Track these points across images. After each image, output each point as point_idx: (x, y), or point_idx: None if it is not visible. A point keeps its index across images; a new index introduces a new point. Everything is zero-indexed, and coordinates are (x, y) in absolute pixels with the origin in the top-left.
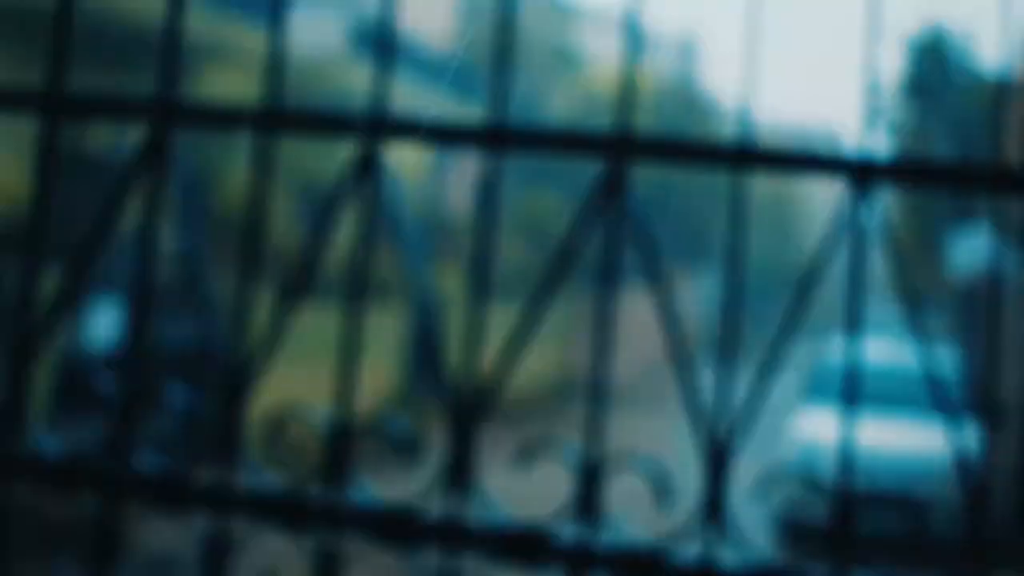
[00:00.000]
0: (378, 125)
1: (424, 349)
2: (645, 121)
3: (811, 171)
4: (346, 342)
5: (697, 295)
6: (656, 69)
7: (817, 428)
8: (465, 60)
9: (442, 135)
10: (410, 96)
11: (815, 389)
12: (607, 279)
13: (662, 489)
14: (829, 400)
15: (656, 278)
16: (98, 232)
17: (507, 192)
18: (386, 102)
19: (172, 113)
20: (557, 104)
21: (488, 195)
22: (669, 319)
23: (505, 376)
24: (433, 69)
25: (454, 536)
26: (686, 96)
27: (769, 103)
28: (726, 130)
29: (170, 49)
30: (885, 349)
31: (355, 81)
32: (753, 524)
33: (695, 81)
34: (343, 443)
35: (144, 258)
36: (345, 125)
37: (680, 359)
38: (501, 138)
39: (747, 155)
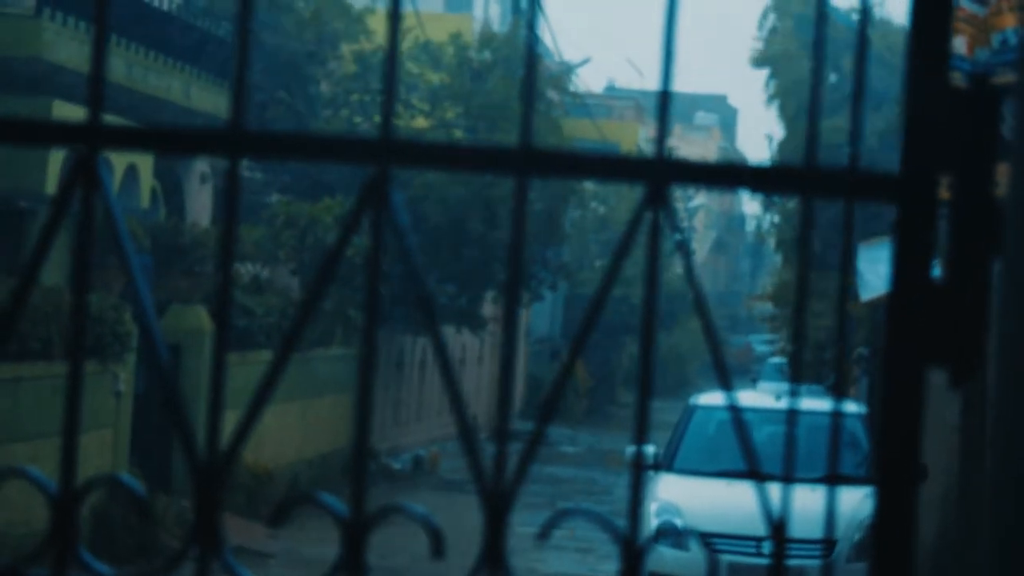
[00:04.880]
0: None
1: (164, 409)
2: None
3: (603, 175)
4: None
5: (538, 318)
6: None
7: (674, 491)
8: (203, 25)
9: (147, 139)
10: (132, 77)
11: (687, 447)
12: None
13: (437, 540)
14: (698, 461)
15: (426, 307)
16: None
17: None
18: (101, 96)
19: None
20: (341, 72)
21: (229, 208)
22: (441, 354)
23: (248, 433)
24: (165, 37)
25: None
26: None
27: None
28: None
29: None
30: (774, 398)
31: (50, 44)
32: None
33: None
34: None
35: None
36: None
37: (457, 402)
38: (237, 142)
39: (532, 160)
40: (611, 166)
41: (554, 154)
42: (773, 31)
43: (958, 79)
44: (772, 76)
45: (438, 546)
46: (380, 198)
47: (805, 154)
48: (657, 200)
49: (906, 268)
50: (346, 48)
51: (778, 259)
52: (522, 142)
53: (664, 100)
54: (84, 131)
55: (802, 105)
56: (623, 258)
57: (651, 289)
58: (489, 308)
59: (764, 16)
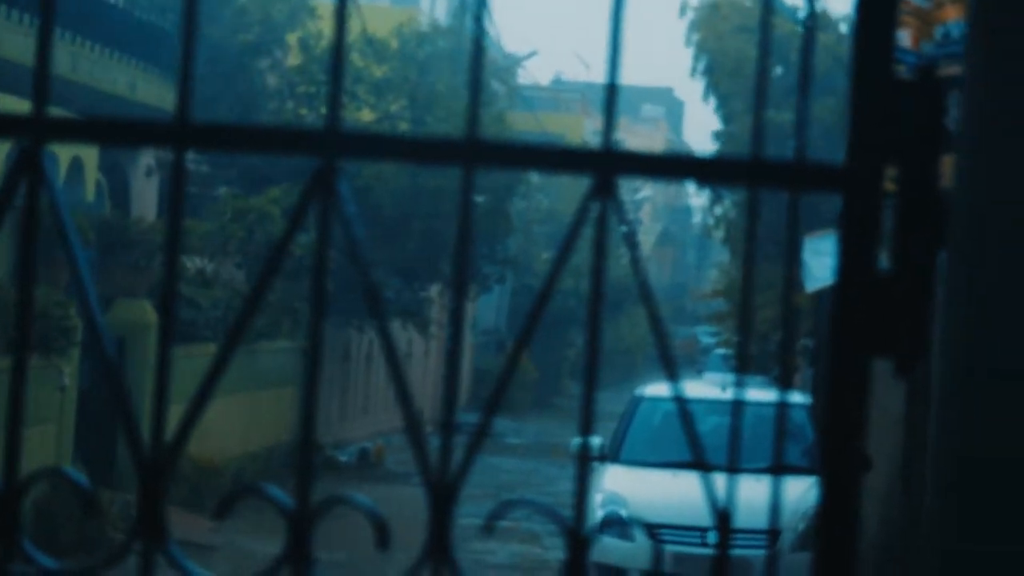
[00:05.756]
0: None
1: (108, 401)
2: (411, 77)
3: (550, 166)
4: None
5: (484, 310)
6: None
7: (620, 482)
8: (148, 18)
9: (84, 131)
10: (83, 71)
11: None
12: (315, 304)
13: (382, 531)
14: (643, 452)
15: (373, 298)
16: None
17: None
18: (46, 85)
19: None
20: (287, 64)
21: (174, 199)
22: (388, 347)
23: (193, 425)
24: (116, 31)
25: None
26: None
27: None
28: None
29: None
30: (716, 390)
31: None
32: None
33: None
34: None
35: None
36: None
37: (403, 395)
38: (183, 134)
39: (479, 151)
40: (559, 157)
41: (501, 145)
42: (702, 43)
43: (903, 71)
44: (709, 86)
45: (383, 537)
46: (327, 190)
47: (751, 145)
48: (604, 191)
49: (851, 258)
50: (291, 36)
51: (725, 253)
52: (469, 133)
53: (611, 91)
54: (29, 123)
55: (743, 99)
56: (569, 250)
57: (597, 280)
58: (435, 302)
59: (690, 30)
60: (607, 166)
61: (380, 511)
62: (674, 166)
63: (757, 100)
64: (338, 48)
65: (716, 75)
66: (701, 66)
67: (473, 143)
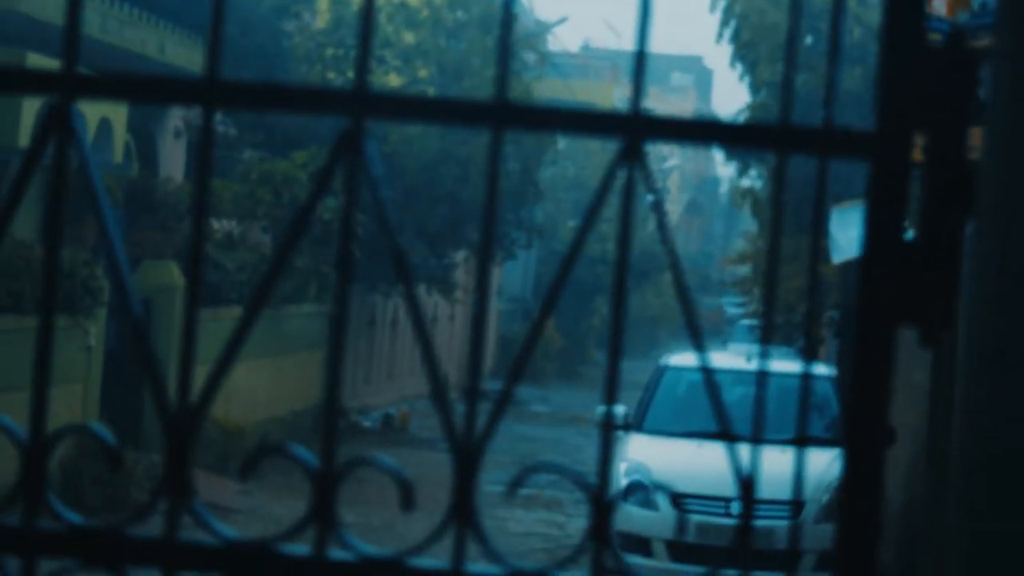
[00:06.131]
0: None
1: (136, 360)
2: (438, 42)
3: (578, 129)
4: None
5: (510, 278)
6: None
7: (644, 451)
8: None
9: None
10: (116, 34)
11: (656, 408)
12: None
13: (407, 492)
14: (668, 422)
15: (400, 263)
16: None
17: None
18: (76, 45)
19: None
20: (315, 27)
21: (202, 157)
22: (414, 310)
23: (219, 385)
24: None
25: (172, 554)
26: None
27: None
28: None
29: None
30: (745, 360)
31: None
32: None
33: None
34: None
35: None
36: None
37: (429, 358)
38: (212, 92)
39: (507, 113)
40: (587, 120)
41: (530, 107)
42: (728, 9)
43: (937, 40)
44: (736, 53)
45: (408, 498)
46: (354, 150)
47: (780, 111)
48: (632, 156)
49: (878, 225)
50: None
51: (752, 223)
52: (497, 95)
53: (640, 54)
54: (59, 79)
55: (770, 67)
56: (596, 214)
57: (623, 248)
58: (460, 268)
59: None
60: (635, 130)
61: (404, 472)
62: (702, 131)
63: (786, 67)
64: (367, 8)
65: (742, 41)
66: (728, 32)
67: (501, 104)
